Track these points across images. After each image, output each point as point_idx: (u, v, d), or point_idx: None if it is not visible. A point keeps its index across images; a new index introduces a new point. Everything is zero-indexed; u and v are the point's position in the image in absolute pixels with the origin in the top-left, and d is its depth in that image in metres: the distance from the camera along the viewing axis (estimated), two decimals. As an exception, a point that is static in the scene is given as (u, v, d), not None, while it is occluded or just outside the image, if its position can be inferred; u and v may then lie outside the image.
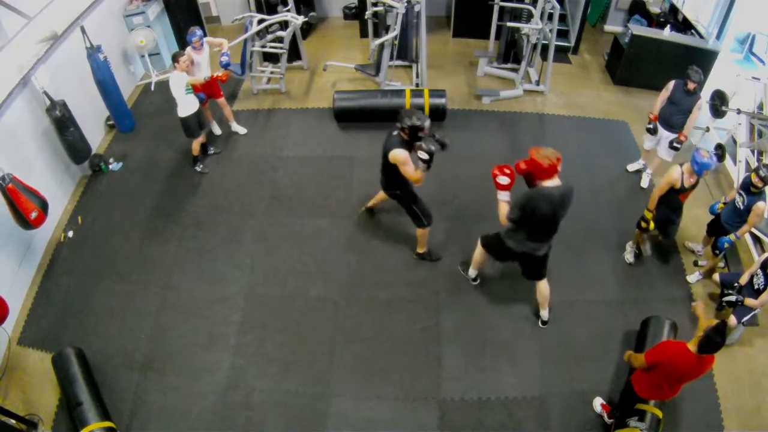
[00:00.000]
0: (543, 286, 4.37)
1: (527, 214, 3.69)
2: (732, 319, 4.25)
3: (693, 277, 4.95)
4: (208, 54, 5.91)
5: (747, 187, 4.28)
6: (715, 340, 3.02)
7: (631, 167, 6.06)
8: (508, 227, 3.95)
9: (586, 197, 5.78)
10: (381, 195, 4.99)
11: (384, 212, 5.55)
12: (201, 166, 6.14)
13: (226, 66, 6.12)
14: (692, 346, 3.11)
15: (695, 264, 5.05)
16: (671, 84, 5.27)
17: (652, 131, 5.46)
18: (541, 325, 4.58)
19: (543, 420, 4.07)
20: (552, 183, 3.60)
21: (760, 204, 4.18)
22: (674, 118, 5.29)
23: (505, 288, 4.87)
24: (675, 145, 5.34)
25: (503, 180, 3.71)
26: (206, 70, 5.95)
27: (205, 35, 5.90)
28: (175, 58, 5.34)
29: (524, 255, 4.10)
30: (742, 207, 4.33)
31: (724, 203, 4.65)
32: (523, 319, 4.67)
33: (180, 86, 5.36)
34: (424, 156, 3.99)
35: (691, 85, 5.04)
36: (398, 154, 4.14)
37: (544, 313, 4.55)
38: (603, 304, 4.80)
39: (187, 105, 5.56)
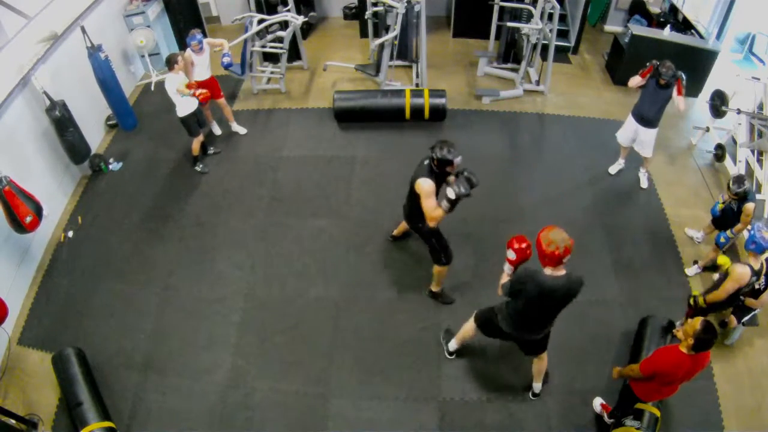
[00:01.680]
0: (540, 361, 3.96)
1: (515, 292, 3.37)
2: (732, 319, 4.26)
3: (691, 270, 4.99)
4: (209, 55, 5.91)
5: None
6: (707, 338, 2.99)
7: (612, 170, 6.04)
8: (502, 304, 3.65)
9: (585, 197, 5.79)
10: (404, 225, 4.70)
11: (383, 213, 5.55)
12: (201, 165, 6.14)
13: (227, 66, 6.15)
14: (685, 349, 3.09)
15: (695, 263, 5.05)
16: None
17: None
18: (531, 397, 4.17)
19: (543, 420, 4.07)
20: (551, 272, 3.18)
21: (748, 205, 4.44)
22: (650, 113, 5.31)
23: (505, 288, 4.87)
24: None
25: (510, 255, 3.37)
26: (206, 71, 5.96)
27: (205, 36, 5.91)
28: (169, 62, 5.35)
29: (516, 338, 3.75)
30: (735, 209, 4.58)
31: (723, 203, 4.72)
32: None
33: (174, 89, 5.39)
34: (451, 195, 3.72)
35: (662, 82, 5.08)
36: (423, 184, 3.87)
37: (537, 386, 4.13)
38: (603, 304, 4.80)
39: (184, 105, 5.58)
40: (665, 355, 3.22)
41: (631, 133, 5.58)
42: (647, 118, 5.35)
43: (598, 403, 4.07)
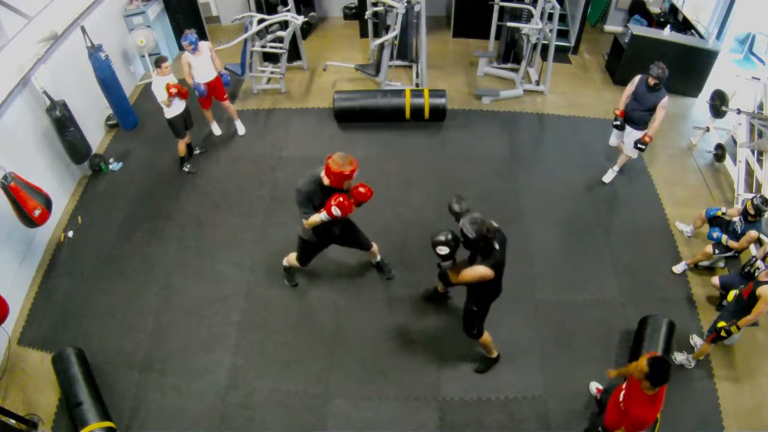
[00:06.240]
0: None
1: None
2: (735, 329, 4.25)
3: (678, 267, 5.00)
4: (208, 55, 5.86)
5: (745, 215, 4.57)
6: (660, 372, 2.95)
7: (606, 178, 5.91)
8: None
9: (585, 197, 5.79)
10: None
11: (383, 213, 5.55)
12: (188, 166, 6.14)
13: (227, 85, 6.16)
14: (648, 391, 3.04)
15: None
16: (636, 78, 5.24)
17: (619, 127, 5.45)
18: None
19: (543, 420, 4.07)
20: None
21: (752, 233, 4.52)
22: (635, 114, 5.25)
23: (505, 289, 4.86)
24: (639, 146, 5.28)
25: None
26: (210, 72, 5.92)
27: (205, 38, 5.87)
28: (157, 64, 5.35)
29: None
30: (739, 231, 4.65)
31: (723, 215, 4.83)
32: (523, 320, 4.67)
33: (162, 92, 5.38)
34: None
35: (651, 81, 4.98)
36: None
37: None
38: (603, 304, 4.80)
39: (172, 107, 5.58)
40: (639, 409, 3.12)
41: (622, 134, 5.52)
42: (633, 119, 5.28)
43: (594, 387, 4.14)
